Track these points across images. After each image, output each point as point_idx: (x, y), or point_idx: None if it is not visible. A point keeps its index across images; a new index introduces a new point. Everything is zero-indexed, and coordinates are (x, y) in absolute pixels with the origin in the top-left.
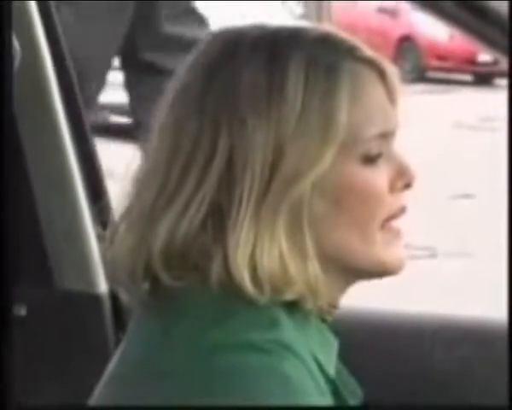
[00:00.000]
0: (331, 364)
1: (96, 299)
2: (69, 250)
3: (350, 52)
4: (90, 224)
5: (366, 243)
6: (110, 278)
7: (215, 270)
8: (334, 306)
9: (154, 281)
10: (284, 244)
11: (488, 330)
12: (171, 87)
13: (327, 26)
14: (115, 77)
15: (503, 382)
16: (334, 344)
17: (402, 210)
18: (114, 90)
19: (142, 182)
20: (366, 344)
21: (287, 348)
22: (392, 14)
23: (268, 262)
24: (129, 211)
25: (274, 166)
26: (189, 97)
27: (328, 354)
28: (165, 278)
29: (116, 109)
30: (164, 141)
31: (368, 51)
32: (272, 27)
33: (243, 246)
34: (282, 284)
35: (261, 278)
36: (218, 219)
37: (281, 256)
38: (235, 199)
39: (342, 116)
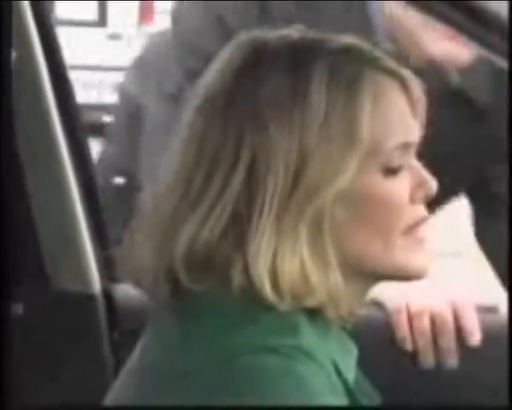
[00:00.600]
0: (350, 371)
1: (90, 298)
2: (64, 251)
3: (372, 62)
4: (84, 224)
5: (387, 251)
6: (133, 281)
7: (236, 276)
8: (353, 313)
9: (176, 285)
10: (306, 252)
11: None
12: (194, 99)
13: (349, 38)
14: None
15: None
16: (354, 352)
17: (423, 219)
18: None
19: (165, 190)
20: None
21: (306, 354)
22: None
23: (289, 270)
24: (149, 218)
25: (297, 175)
26: (213, 107)
27: (348, 361)
28: (186, 280)
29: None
30: (187, 152)
31: (390, 62)
32: (295, 36)
33: (264, 254)
34: (303, 292)
35: (282, 286)
36: (240, 226)
37: (302, 265)
38: (257, 207)
39: (364, 124)
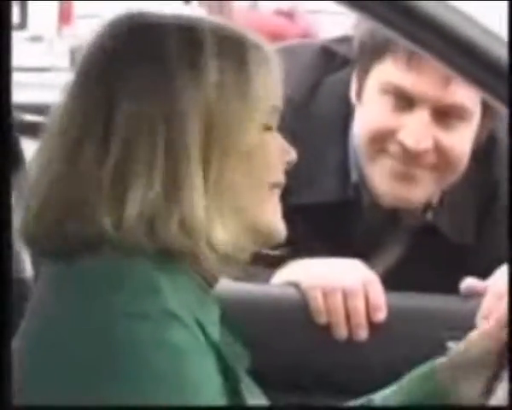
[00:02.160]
0: (213, 327)
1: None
2: None
3: (247, 38)
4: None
5: (261, 204)
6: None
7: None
8: (215, 276)
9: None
10: (200, 200)
11: None
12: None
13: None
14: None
15: None
16: (215, 309)
17: (281, 185)
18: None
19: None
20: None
21: (174, 316)
22: (289, 15)
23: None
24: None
25: (207, 130)
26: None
27: (209, 316)
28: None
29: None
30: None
31: (258, 40)
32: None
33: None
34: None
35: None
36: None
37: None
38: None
39: (256, 86)
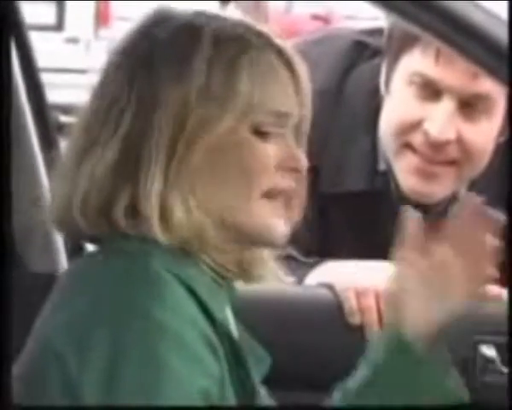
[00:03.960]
0: (220, 309)
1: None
2: (34, 233)
3: (261, 37)
4: None
5: (247, 209)
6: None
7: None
8: (229, 269)
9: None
10: (174, 193)
11: None
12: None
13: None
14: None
15: None
16: (224, 298)
17: (286, 190)
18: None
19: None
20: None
21: (152, 255)
22: (326, 20)
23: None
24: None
25: (180, 124)
26: (114, 59)
27: (216, 300)
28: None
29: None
30: (92, 98)
31: (278, 41)
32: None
33: (152, 194)
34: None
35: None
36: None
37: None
38: (145, 152)
39: (242, 84)
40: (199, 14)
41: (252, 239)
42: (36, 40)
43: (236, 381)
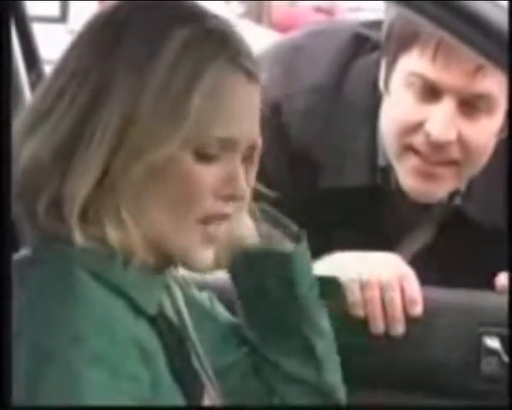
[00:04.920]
0: (153, 300)
1: None
2: None
3: (228, 53)
4: None
5: (178, 232)
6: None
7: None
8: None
9: None
10: (106, 204)
11: None
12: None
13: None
14: None
15: None
16: (160, 284)
17: (220, 216)
18: None
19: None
20: None
21: (74, 259)
22: (329, 13)
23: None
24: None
25: (123, 131)
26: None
27: (149, 292)
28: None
29: None
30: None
31: (248, 60)
32: (170, 4)
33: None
34: (99, 234)
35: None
36: (68, 157)
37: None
38: (83, 144)
39: (193, 107)
40: (178, 10)
41: (174, 262)
42: (39, 32)
43: (179, 368)
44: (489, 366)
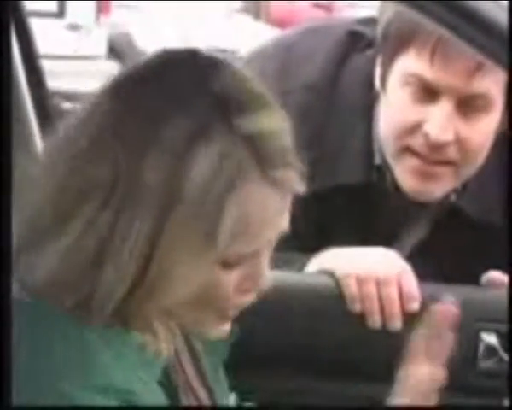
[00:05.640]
0: (152, 377)
1: None
2: None
3: (258, 166)
4: None
5: (197, 322)
6: None
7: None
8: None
9: None
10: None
11: None
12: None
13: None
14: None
15: None
16: (155, 363)
17: (238, 306)
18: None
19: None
20: None
21: (121, 392)
22: (327, 9)
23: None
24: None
25: (146, 261)
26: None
27: (149, 371)
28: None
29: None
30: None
31: (279, 169)
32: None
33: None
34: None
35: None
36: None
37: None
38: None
39: (225, 233)
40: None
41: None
42: (37, 27)
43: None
44: (486, 362)
